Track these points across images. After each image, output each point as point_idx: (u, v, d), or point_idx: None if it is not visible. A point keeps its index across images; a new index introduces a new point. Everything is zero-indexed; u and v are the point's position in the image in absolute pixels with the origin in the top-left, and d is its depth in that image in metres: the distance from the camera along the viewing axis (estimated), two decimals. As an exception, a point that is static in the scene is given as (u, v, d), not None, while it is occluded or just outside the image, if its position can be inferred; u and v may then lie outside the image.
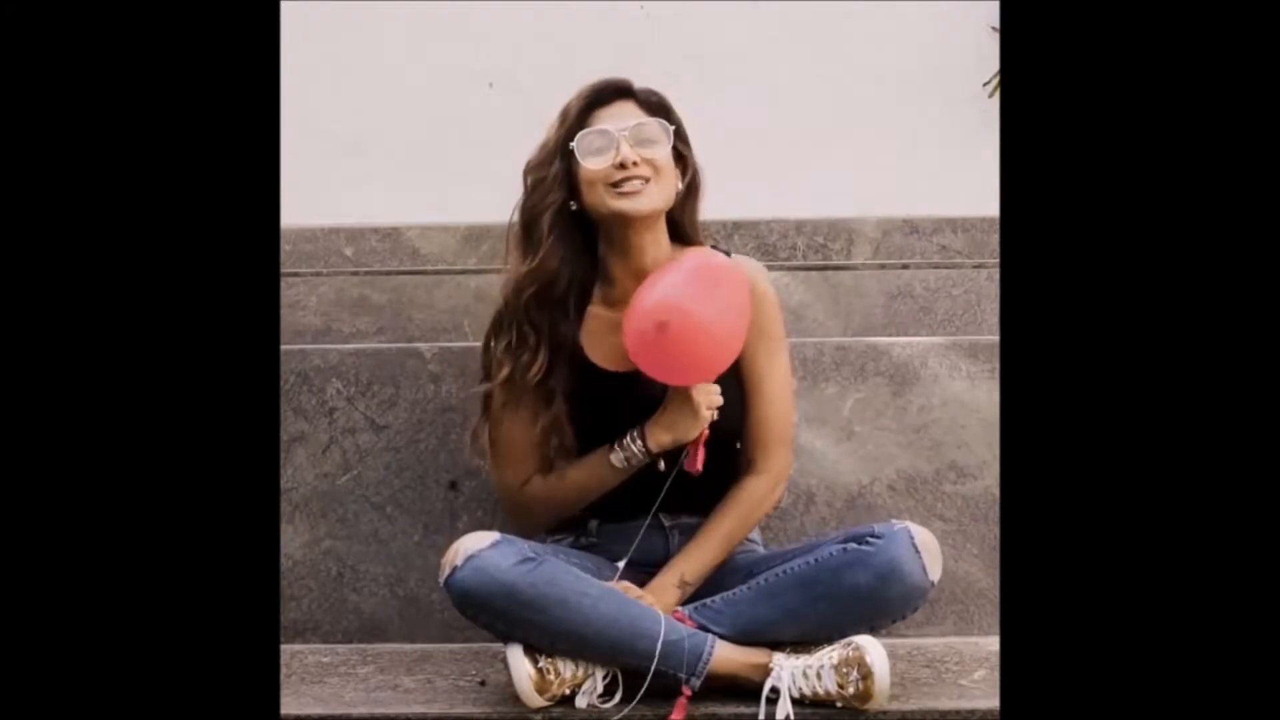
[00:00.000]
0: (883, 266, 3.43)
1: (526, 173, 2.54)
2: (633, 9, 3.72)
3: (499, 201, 2.62)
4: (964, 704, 2.33)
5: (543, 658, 2.33)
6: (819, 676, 2.29)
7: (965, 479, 2.84)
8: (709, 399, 2.43)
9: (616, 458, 2.46)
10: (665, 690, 2.31)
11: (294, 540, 2.85)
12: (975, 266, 3.40)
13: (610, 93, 2.53)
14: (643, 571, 2.49)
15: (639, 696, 2.30)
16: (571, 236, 2.52)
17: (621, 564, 2.47)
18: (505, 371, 2.49)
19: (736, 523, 2.51)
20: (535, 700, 2.32)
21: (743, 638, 2.37)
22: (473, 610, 2.34)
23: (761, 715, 2.30)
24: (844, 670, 2.28)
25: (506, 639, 2.34)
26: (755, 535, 2.64)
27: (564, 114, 2.52)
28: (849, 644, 2.31)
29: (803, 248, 3.47)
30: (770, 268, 2.63)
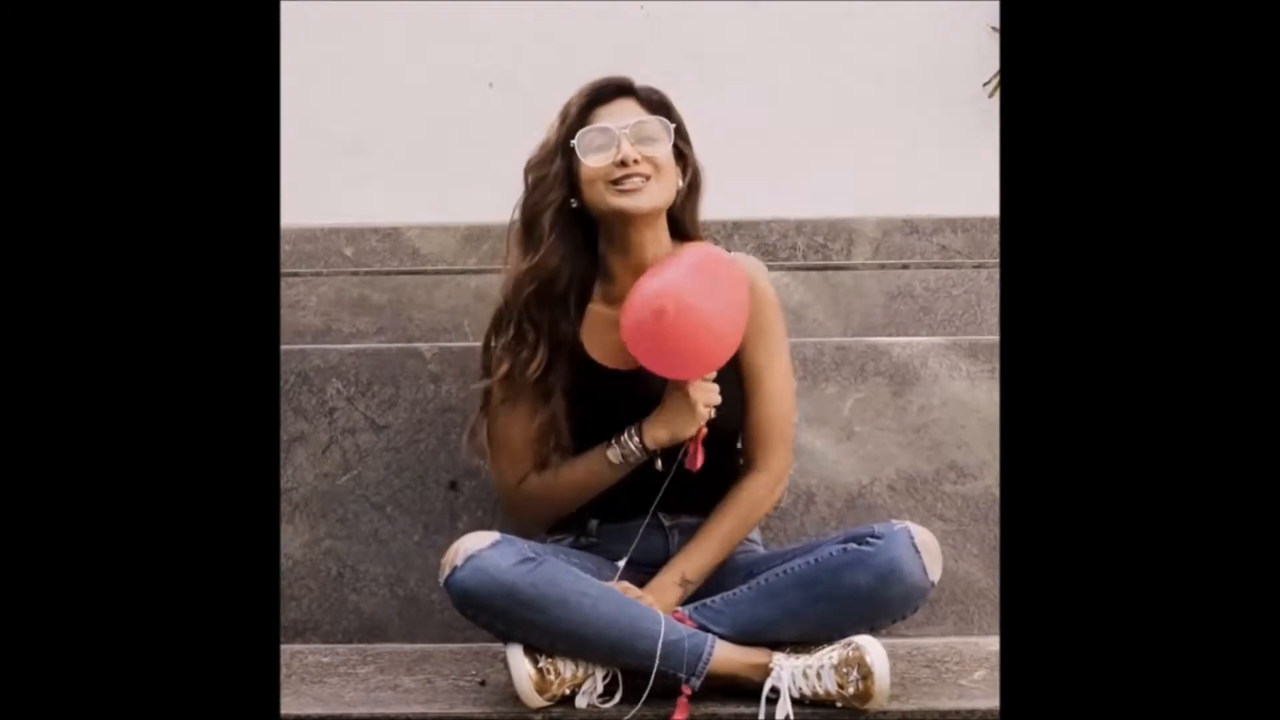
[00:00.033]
0: (883, 266, 3.43)
1: (527, 171, 2.54)
2: (633, 9, 3.72)
3: (499, 201, 2.62)
4: (964, 704, 2.33)
5: (543, 658, 2.33)
6: (819, 676, 2.29)
7: (965, 479, 2.84)
8: (706, 396, 2.43)
9: (613, 454, 2.46)
10: (665, 690, 2.31)
11: (294, 540, 2.85)
12: (975, 266, 3.40)
13: (611, 91, 2.53)
14: (643, 571, 2.49)
15: (643, 698, 2.30)
16: (572, 234, 2.52)
17: (622, 563, 2.47)
18: (504, 368, 2.49)
19: (737, 522, 2.51)
20: (535, 700, 2.32)
21: (743, 638, 2.37)
22: (473, 610, 2.34)
23: (761, 715, 2.30)
24: (844, 670, 2.28)
25: (506, 639, 2.34)
26: (755, 535, 2.64)
27: (565, 112, 2.52)
28: (849, 644, 2.31)
29: (803, 248, 3.47)
30: (770, 268, 2.63)
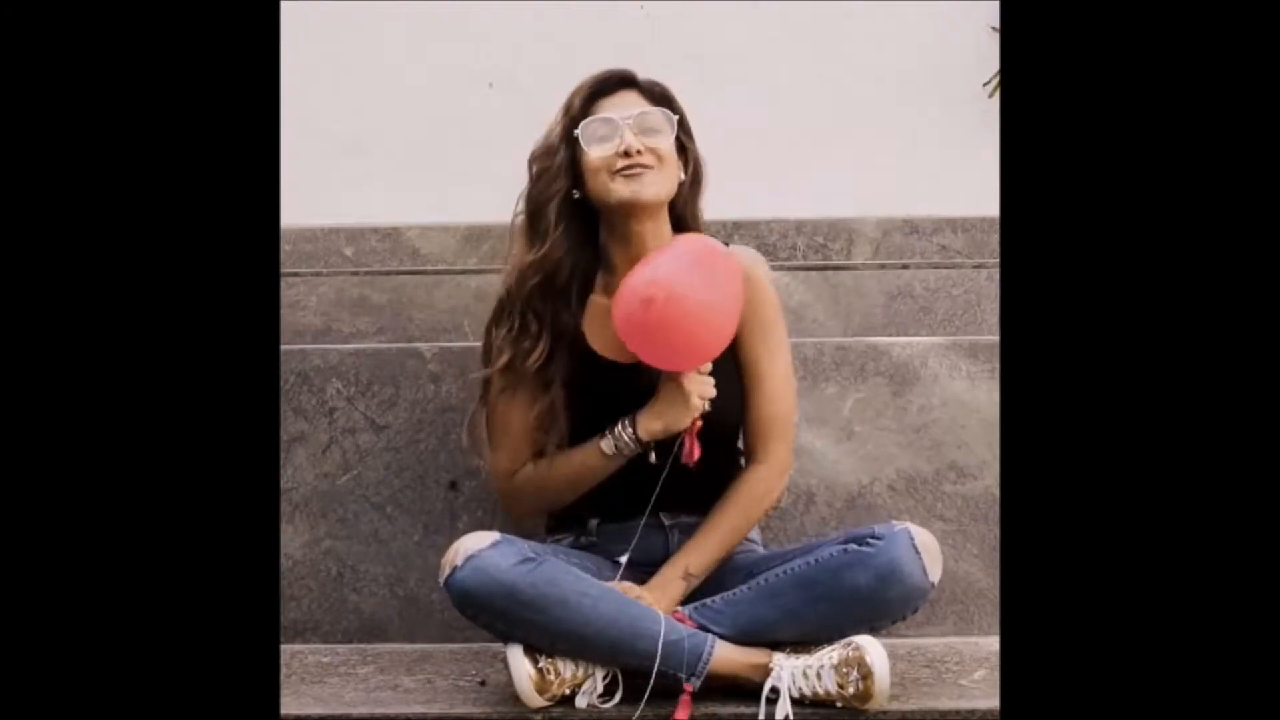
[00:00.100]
0: (883, 266, 3.43)
1: (531, 161, 2.55)
2: (633, 9, 3.72)
3: (499, 201, 2.62)
4: (964, 704, 2.33)
5: (543, 658, 2.33)
6: (819, 676, 2.29)
7: (965, 479, 2.84)
8: (701, 389, 2.42)
9: (607, 445, 2.46)
10: (665, 690, 2.31)
11: (294, 540, 2.85)
12: (975, 266, 3.40)
13: (614, 82, 2.54)
14: (643, 571, 2.49)
15: (645, 698, 2.30)
16: (575, 226, 2.52)
17: (624, 558, 2.47)
18: (505, 358, 2.50)
19: (739, 514, 2.51)
20: (535, 700, 2.32)
21: (743, 638, 2.37)
22: (473, 610, 2.34)
23: (761, 715, 2.30)
24: (844, 670, 2.28)
25: (506, 639, 2.34)
26: (755, 535, 2.64)
27: (568, 103, 2.53)
28: (849, 644, 2.31)
29: (803, 248, 3.47)
30: (770, 268, 2.63)
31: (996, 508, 2.77)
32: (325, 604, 2.85)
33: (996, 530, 2.78)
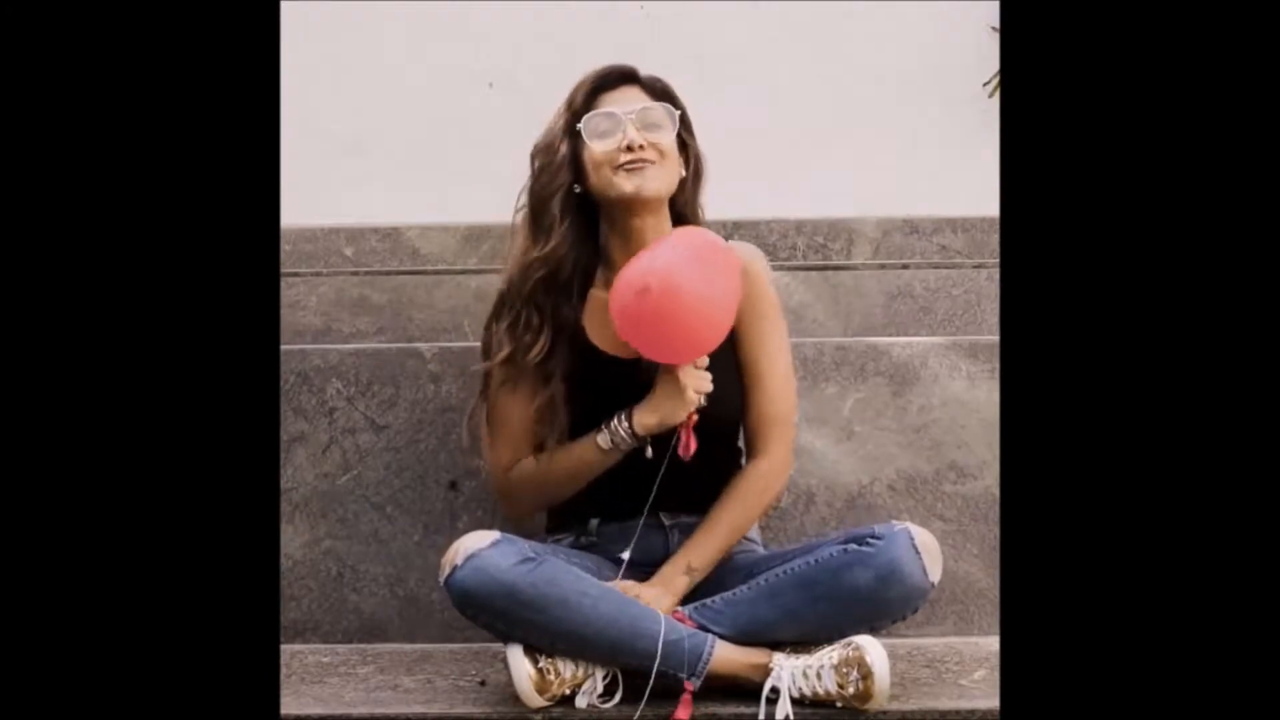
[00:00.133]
0: (883, 266, 3.43)
1: (534, 155, 2.55)
2: (633, 9, 3.72)
3: (499, 201, 2.62)
4: (964, 704, 2.33)
5: (543, 658, 2.33)
6: (819, 676, 2.29)
7: (965, 479, 2.84)
8: (697, 383, 2.42)
9: (603, 439, 2.46)
10: (665, 690, 2.31)
11: (294, 540, 2.85)
12: (975, 266, 3.40)
13: (616, 77, 2.54)
14: (643, 571, 2.49)
15: (645, 698, 2.29)
16: (577, 220, 2.53)
17: (627, 554, 2.46)
18: (506, 351, 2.50)
19: (740, 509, 2.51)
20: (535, 700, 2.32)
21: (743, 638, 2.37)
22: (473, 610, 2.34)
23: (761, 715, 2.30)
24: (844, 670, 2.28)
25: (506, 639, 2.34)
26: (755, 535, 2.64)
27: (570, 98, 2.54)
28: (849, 644, 2.31)
29: (803, 248, 3.47)
30: (771, 268, 2.63)
31: (996, 508, 2.77)
32: (325, 604, 2.85)
33: (996, 530, 2.78)
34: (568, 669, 2.33)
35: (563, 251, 2.50)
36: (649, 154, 2.47)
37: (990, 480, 2.82)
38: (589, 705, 2.33)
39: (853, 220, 3.50)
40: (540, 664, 2.32)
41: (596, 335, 2.54)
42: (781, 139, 3.66)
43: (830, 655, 2.30)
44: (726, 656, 2.34)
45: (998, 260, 3.16)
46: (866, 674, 2.27)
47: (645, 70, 2.57)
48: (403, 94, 3.72)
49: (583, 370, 2.51)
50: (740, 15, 3.72)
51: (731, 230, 3.36)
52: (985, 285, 3.35)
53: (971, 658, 2.61)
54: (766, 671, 2.32)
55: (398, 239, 3.51)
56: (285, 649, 2.73)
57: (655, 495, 2.45)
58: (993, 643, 2.66)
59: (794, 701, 2.29)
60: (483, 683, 2.50)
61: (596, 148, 2.49)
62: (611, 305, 2.40)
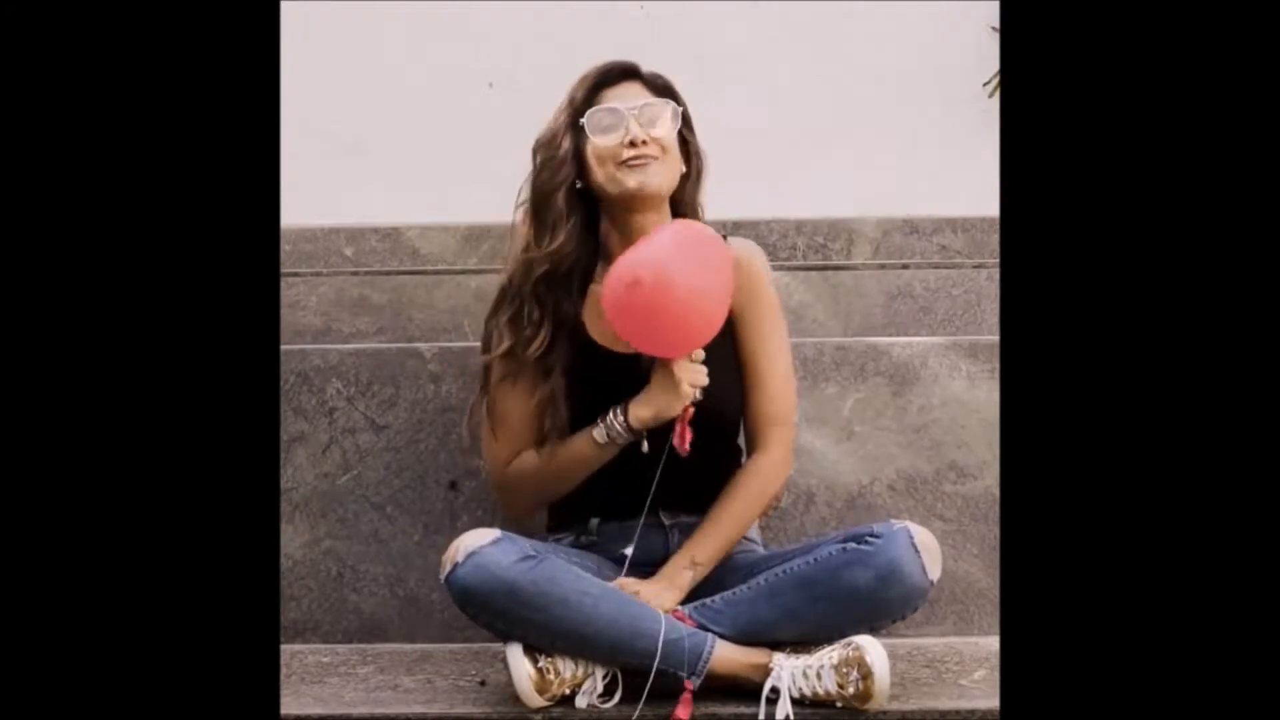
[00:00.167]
0: (883, 266, 3.43)
1: (536, 150, 2.55)
2: (633, 9, 3.72)
3: (499, 201, 2.62)
4: (964, 704, 2.33)
5: (543, 657, 2.33)
6: (819, 676, 2.29)
7: (965, 479, 2.84)
8: (692, 376, 2.42)
9: (599, 433, 2.46)
10: (665, 690, 2.31)
11: (294, 540, 2.85)
12: (975, 266, 3.40)
13: (617, 73, 2.55)
14: (644, 570, 2.49)
15: (644, 698, 2.29)
16: (580, 216, 2.53)
17: (629, 550, 2.46)
18: (506, 345, 2.50)
19: (742, 504, 2.50)
20: (535, 700, 2.32)
21: (743, 638, 2.37)
22: (473, 608, 2.33)
23: (761, 715, 2.30)
24: (844, 670, 2.28)
25: (506, 638, 2.34)
26: (755, 535, 2.64)
27: (572, 94, 2.54)
28: (849, 644, 2.31)
29: (803, 248, 3.47)
30: (770, 267, 2.63)
31: (996, 508, 2.77)
32: (325, 604, 2.85)
33: (996, 530, 2.78)
34: (567, 669, 2.33)
35: (569, 248, 2.50)
36: (652, 150, 2.48)
37: (990, 480, 2.82)
38: (589, 705, 2.33)
39: (853, 220, 3.50)
40: (540, 664, 2.32)
41: (596, 330, 2.54)
42: (781, 139, 3.66)
43: (830, 655, 2.30)
44: (726, 656, 2.34)
45: (998, 260, 3.16)
46: (866, 674, 2.27)
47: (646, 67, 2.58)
48: (403, 94, 3.72)
49: (582, 365, 2.51)
50: (740, 15, 3.72)
51: (731, 230, 3.35)
52: (985, 285, 3.35)
53: (971, 658, 2.61)
54: (766, 671, 2.32)
55: (398, 239, 3.51)
56: (285, 649, 2.73)
57: (655, 494, 2.44)
58: (993, 643, 2.66)
59: (794, 701, 2.29)
60: (483, 683, 2.50)
61: (600, 143, 2.49)
62: (605, 298, 2.40)
